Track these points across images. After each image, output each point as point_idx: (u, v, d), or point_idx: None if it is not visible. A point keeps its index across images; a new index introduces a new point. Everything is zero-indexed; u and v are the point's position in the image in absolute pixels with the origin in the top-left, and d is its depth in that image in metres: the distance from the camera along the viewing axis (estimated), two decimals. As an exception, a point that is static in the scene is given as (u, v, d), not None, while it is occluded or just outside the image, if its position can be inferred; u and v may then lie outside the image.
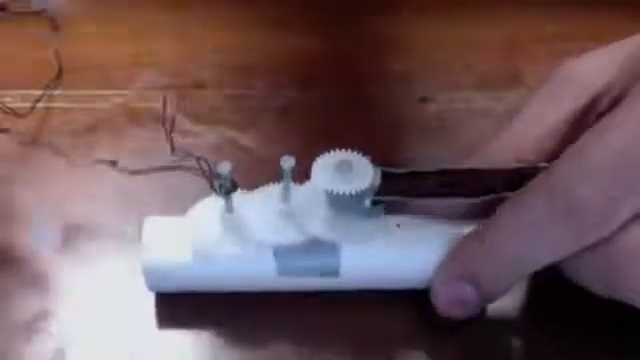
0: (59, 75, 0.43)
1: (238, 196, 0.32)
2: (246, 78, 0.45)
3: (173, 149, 0.39)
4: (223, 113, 0.42)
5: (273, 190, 0.32)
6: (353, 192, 0.30)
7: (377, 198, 0.31)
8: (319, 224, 0.32)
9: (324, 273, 0.32)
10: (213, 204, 0.32)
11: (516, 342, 0.33)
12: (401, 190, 0.31)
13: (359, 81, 0.45)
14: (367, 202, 0.31)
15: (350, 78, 0.46)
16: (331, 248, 0.32)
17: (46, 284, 0.34)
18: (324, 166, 0.31)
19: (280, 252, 0.32)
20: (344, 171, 0.31)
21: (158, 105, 0.43)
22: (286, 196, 0.32)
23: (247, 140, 0.40)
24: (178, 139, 0.40)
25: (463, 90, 0.45)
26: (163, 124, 0.40)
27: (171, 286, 0.33)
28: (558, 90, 0.34)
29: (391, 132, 0.41)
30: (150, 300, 0.34)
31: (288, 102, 0.44)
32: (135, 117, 0.42)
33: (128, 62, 0.46)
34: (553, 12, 0.49)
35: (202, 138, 0.41)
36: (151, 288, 0.33)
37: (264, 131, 0.41)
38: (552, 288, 0.33)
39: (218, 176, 0.30)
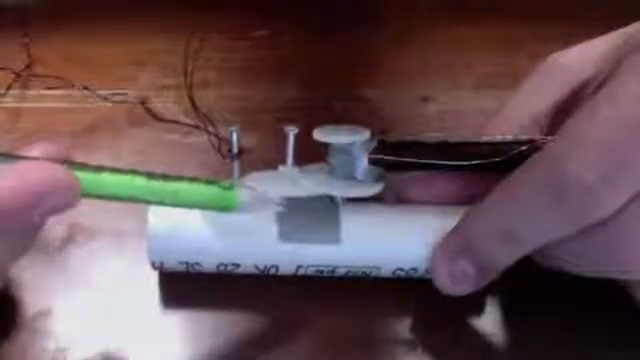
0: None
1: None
2: (246, 78, 0.45)
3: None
4: (223, 113, 0.42)
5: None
6: (350, 142, 0.32)
7: (374, 156, 0.32)
8: (319, 180, 0.33)
9: (325, 239, 0.32)
10: None
11: (516, 343, 0.33)
12: (397, 153, 0.32)
13: (359, 81, 0.45)
14: (365, 161, 0.32)
15: (350, 78, 0.46)
16: (331, 210, 0.33)
17: (46, 284, 0.34)
18: (325, 128, 0.33)
19: (282, 216, 0.32)
20: (343, 130, 0.32)
21: (158, 105, 0.43)
22: (289, 161, 0.33)
23: (247, 140, 0.40)
24: (178, 139, 0.40)
25: (463, 90, 0.45)
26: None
27: (174, 251, 0.33)
28: (544, 81, 0.34)
29: (391, 132, 0.41)
30: (152, 298, 0.34)
31: (288, 102, 0.44)
32: (135, 117, 0.42)
33: (128, 62, 0.46)
34: (553, 12, 0.49)
35: (202, 138, 0.40)
36: (154, 256, 0.33)
37: (264, 131, 0.41)
38: (552, 289, 0.33)
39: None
